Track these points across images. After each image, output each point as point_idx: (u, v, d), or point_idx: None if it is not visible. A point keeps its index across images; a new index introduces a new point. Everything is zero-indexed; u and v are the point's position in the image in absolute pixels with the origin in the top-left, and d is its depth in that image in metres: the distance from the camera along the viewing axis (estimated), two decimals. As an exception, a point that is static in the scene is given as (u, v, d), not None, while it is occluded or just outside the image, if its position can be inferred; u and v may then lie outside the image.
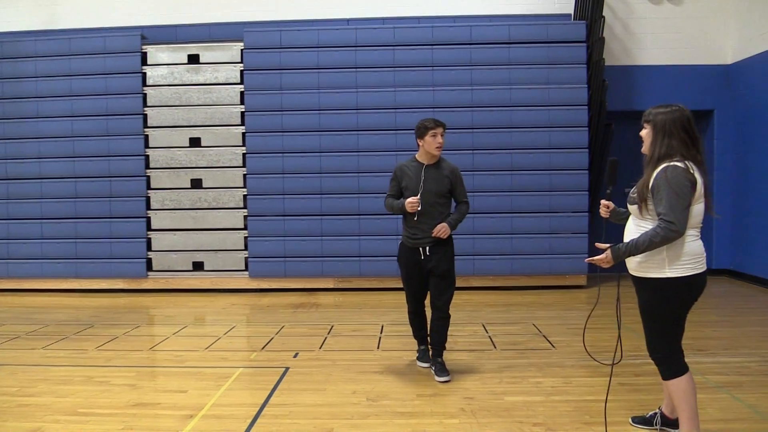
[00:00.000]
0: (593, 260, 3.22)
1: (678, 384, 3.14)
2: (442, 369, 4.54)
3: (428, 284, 4.61)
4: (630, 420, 3.61)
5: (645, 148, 3.21)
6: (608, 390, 3.45)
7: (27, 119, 8.62)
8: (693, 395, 3.15)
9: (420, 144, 4.56)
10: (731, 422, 3.63)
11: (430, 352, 4.71)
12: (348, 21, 8.95)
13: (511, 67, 8.29)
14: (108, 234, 8.55)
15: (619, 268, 3.39)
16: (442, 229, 4.46)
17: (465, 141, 8.25)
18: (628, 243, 3.10)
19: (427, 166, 4.56)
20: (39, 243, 8.62)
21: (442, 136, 4.50)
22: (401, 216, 4.66)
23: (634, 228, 3.22)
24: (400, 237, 4.74)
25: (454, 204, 4.74)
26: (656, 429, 3.47)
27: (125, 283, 8.61)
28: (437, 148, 4.49)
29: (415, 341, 4.96)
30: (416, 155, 4.65)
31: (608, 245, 3.19)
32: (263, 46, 8.46)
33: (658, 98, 7.71)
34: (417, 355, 4.94)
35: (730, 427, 3.55)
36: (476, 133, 8.29)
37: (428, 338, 4.76)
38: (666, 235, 2.96)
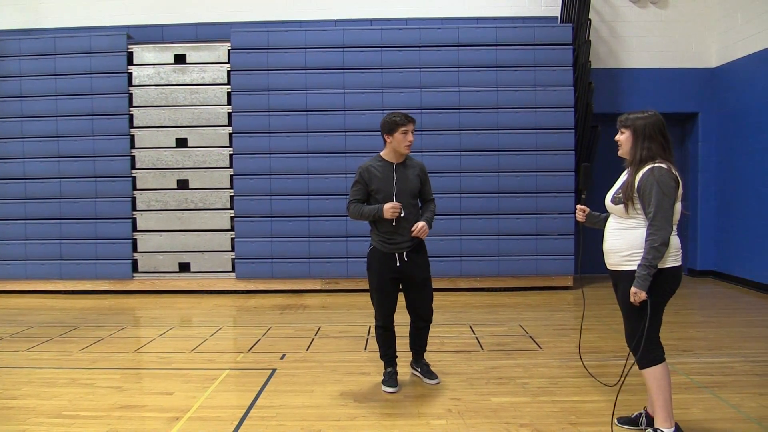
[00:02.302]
0: (634, 302, 3.19)
1: (653, 372, 3.25)
2: (430, 372, 4.54)
3: (398, 293, 4.36)
4: (615, 420, 3.63)
5: (623, 152, 3.37)
6: (614, 410, 3.48)
7: (11, 119, 8.53)
8: (668, 385, 3.26)
9: (388, 141, 4.23)
10: (715, 422, 3.66)
11: (414, 356, 4.64)
12: (335, 22, 8.95)
13: (498, 69, 8.33)
14: (93, 235, 8.49)
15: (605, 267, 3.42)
16: (422, 229, 4.17)
17: (452, 142, 8.28)
18: (640, 269, 3.13)
19: (397, 166, 4.27)
20: (23, 244, 8.53)
21: (412, 133, 4.21)
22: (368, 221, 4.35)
23: (616, 227, 3.33)
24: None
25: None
26: (641, 429, 3.50)
27: (110, 285, 8.53)
28: (407, 146, 4.20)
29: (382, 361, 4.48)
30: (381, 153, 4.32)
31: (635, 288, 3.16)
32: (250, 46, 8.43)
33: (643, 100, 7.80)
34: (383, 378, 4.41)
35: (713, 427, 3.59)
36: (463, 134, 8.32)
37: (396, 358, 4.46)
38: (662, 236, 3.10)
